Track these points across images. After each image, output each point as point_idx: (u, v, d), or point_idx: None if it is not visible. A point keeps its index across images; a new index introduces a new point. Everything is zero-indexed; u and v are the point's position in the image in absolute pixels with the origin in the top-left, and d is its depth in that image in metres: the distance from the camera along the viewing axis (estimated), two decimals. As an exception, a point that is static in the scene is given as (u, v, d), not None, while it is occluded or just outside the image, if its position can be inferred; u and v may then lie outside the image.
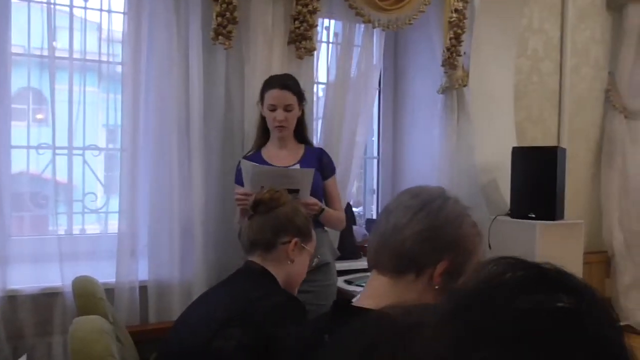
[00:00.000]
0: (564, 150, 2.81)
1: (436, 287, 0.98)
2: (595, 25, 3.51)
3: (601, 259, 3.46)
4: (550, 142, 3.30)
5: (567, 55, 3.35)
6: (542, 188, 2.63)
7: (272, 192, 1.57)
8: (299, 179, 1.97)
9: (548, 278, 0.44)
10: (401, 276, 0.99)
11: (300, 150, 2.22)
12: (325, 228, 2.24)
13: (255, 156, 2.17)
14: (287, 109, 2.12)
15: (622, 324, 0.44)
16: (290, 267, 1.52)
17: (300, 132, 2.25)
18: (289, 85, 2.14)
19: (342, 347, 0.46)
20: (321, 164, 2.20)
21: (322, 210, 2.08)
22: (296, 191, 1.93)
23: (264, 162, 2.12)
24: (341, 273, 2.39)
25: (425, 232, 0.97)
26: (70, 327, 1.27)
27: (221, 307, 1.35)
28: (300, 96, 2.17)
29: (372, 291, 1.02)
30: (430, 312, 0.45)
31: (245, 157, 2.13)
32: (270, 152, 2.20)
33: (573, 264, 2.70)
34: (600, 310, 0.42)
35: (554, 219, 2.62)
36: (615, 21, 3.54)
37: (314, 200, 2.02)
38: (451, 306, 0.45)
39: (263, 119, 2.20)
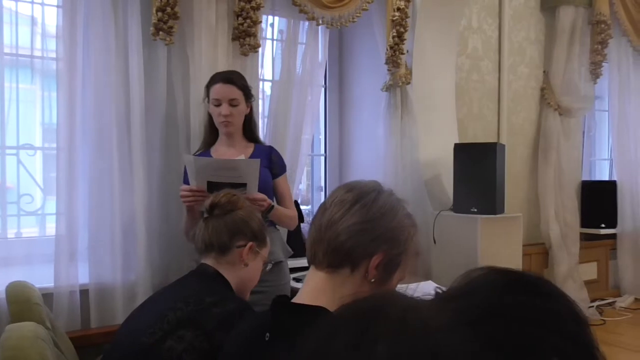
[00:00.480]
0: (503, 146, 2.90)
1: (372, 280, 0.98)
2: (530, 26, 3.65)
3: (539, 250, 3.60)
4: (490, 138, 3.40)
5: (505, 54, 3.47)
6: (483, 183, 2.71)
7: (229, 196, 1.57)
8: (244, 169, 1.91)
9: (529, 284, 0.52)
10: (337, 271, 0.98)
11: (249, 148, 2.19)
12: (277, 227, 2.23)
13: (204, 155, 2.13)
14: (232, 103, 2.09)
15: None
16: (244, 271, 1.52)
17: (249, 130, 2.22)
18: (232, 79, 2.11)
19: (319, 347, 0.48)
20: (271, 162, 2.18)
21: (272, 207, 2.05)
22: (244, 185, 1.90)
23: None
24: (290, 271, 2.39)
25: (359, 224, 0.97)
26: (2, 335, 1.21)
27: (174, 308, 1.33)
28: (247, 92, 2.14)
29: (310, 287, 1.01)
30: (417, 300, 0.50)
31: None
32: (219, 151, 2.17)
33: (513, 255, 2.80)
34: (570, 310, 0.50)
35: (494, 213, 2.70)
36: (549, 22, 3.70)
37: (261, 195, 1.97)
38: (443, 296, 0.50)
39: (210, 117, 2.17)
